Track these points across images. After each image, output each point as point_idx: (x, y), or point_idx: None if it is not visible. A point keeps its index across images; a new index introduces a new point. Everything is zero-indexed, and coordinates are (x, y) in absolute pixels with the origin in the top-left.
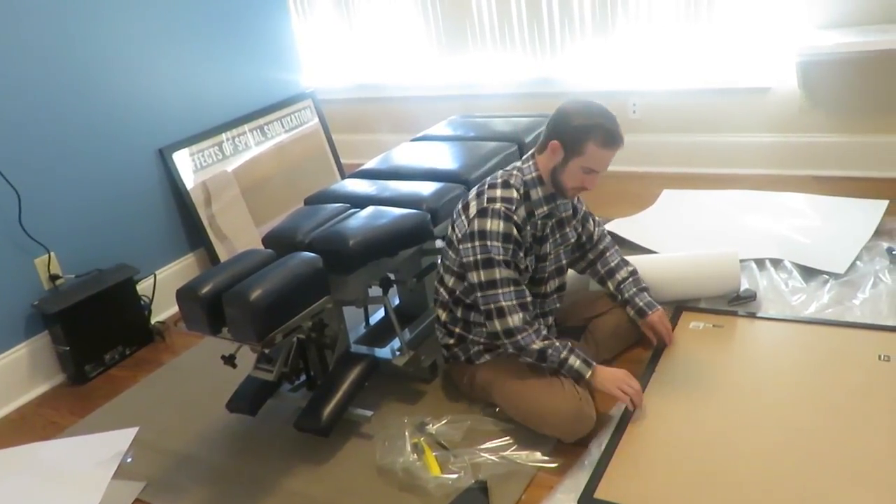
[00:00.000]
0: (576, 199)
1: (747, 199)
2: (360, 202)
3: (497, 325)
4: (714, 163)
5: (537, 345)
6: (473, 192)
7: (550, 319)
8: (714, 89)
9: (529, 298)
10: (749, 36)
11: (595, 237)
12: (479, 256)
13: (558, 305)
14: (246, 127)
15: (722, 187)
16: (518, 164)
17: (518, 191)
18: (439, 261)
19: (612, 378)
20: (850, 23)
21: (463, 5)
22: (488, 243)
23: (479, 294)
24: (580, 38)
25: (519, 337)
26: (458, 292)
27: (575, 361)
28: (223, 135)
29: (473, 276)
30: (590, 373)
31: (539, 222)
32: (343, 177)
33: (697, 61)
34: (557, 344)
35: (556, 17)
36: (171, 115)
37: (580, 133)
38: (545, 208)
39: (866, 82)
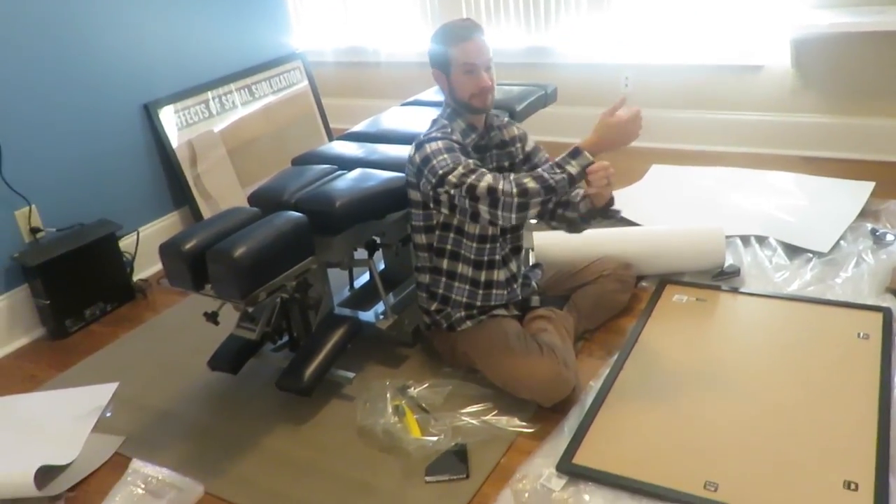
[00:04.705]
0: (515, 129)
1: (735, 177)
2: (347, 164)
3: (479, 189)
4: (704, 140)
5: (531, 182)
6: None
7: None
8: (707, 66)
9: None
10: (744, 13)
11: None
12: (433, 180)
13: (523, 231)
14: (233, 86)
15: (711, 164)
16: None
17: (445, 127)
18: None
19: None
20: (845, 3)
21: None
22: (435, 162)
23: (448, 190)
24: (575, 11)
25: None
26: (434, 244)
27: (572, 165)
28: (209, 93)
29: (441, 195)
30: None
31: (476, 155)
32: (331, 140)
33: (691, 37)
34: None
35: None
36: (157, 70)
37: (438, 50)
38: (473, 136)
39: (858, 64)
